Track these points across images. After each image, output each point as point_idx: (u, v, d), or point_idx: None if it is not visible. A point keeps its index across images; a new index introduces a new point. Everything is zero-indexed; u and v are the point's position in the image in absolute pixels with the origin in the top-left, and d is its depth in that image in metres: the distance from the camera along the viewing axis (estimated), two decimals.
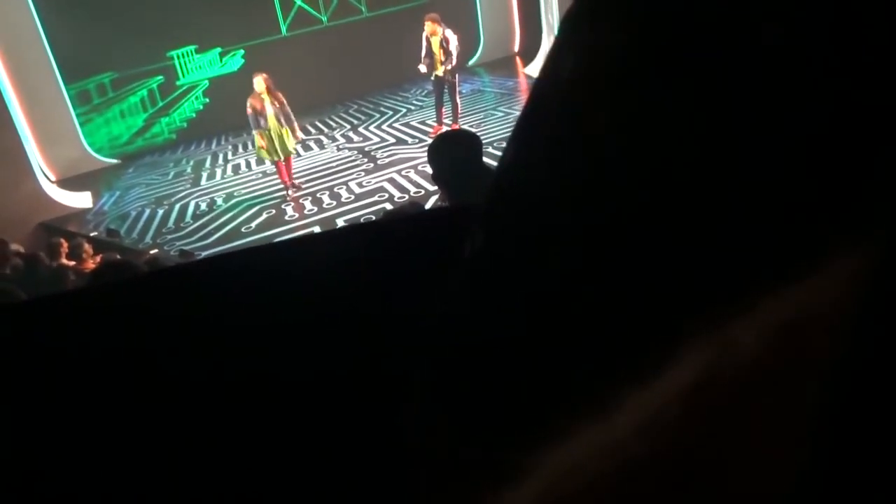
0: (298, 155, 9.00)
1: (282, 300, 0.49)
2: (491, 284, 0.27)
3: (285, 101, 7.63)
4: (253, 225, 7.58)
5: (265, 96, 7.49)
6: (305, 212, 7.61)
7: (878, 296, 0.17)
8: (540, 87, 0.27)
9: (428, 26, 8.49)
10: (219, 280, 0.51)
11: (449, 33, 8.51)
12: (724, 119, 0.19)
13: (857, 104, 0.18)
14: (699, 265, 0.20)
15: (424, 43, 8.59)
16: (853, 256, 0.17)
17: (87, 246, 6.25)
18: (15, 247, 6.51)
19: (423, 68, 8.77)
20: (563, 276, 0.23)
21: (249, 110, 7.59)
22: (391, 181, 7.96)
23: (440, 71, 8.60)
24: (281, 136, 7.65)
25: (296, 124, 7.78)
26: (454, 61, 8.62)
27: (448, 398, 0.28)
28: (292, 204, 7.94)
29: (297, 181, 8.34)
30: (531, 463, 0.21)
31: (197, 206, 8.59)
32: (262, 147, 7.76)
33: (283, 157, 7.88)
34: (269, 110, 7.51)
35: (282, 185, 8.30)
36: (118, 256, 5.43)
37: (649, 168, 0.21)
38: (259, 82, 7.49)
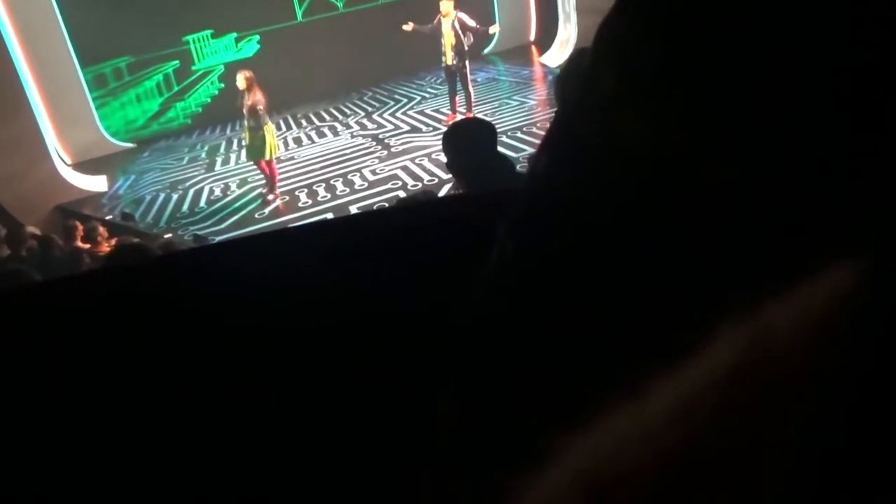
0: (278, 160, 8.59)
1: (294, 286, 0.49)
2: (524, 291, 0.27)
3: (261, 104, 7.30)
4: (266, 211, 7.61)
5: (246, 94, 7.31)
6: (318, 198, 7.62)
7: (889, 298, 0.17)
8: (577, 101, 0.27)
9: (443, 6, 8.37)
10: (231, 265, 0.51)
11: (462, 15, 8.42)
12: (765, 126, 0.20)
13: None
14: (733, 252, 0.20)
15: (438, 28, 8.52)
16: (890, 237, 0.17)
17: (101, 229, 6.30)
18: (31, 229, 6.58)
19: (406, 28, 8.74)
20: (597, 278, 0.23)
21: (237, 106, 7.51)
22: (405, 169, 7.96)
23: (449, 59, 8.53)
24: (254, 137, 7.44)
25: (264, 129, 7.39)
26: (467, 45, 8.49)
27: (479, 393, 0.28)
28: (273, 204, 7.75)
29: (278, 189, 7.99)
30: (558, 448, 0.21)
31: (211, 191, 8.63)
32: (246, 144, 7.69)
33: (261, 158, 7.61)
34: (244, 108, 7.36)
35: (292, 175, 8.29)
36: (132, 240, 5.47)
37: (688, 179, 0.21)
38: (239, 79, 7.33)
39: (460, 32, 8.36)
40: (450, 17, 8.35)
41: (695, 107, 0.21)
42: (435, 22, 8.53)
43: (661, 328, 0.21)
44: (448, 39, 8.43)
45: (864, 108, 0.18)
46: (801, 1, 0.20)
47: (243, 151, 8.00)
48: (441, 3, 8.39)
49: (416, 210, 0.59)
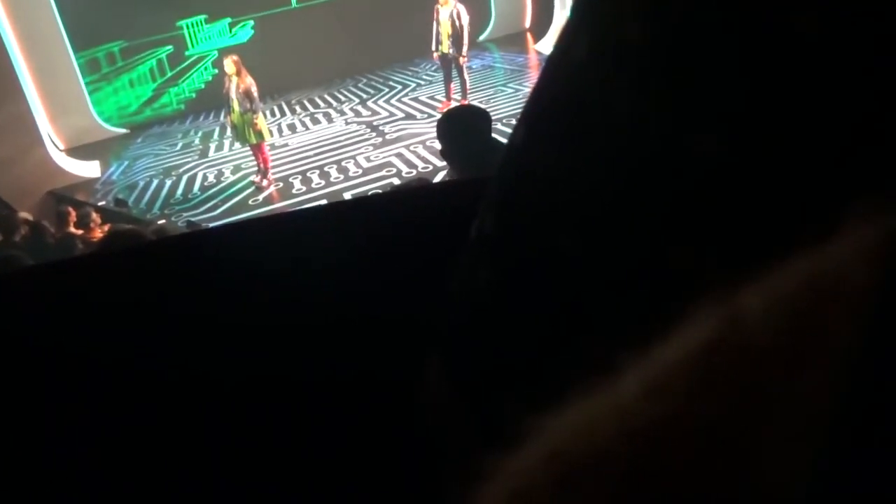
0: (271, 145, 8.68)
1: (286, 273, 0.49)
2: (502, 264, 0.27)
3: (254, 86, 7.31)
4: (260, 198, 7.58)
5: (233, 79, 7.26)
6: (312, 185, 7.60)
7: None
8: (552, 70, 0.27)
9: None
10: (225, 250, 0.51)
11: (460, 6, 8.38)
12: (744, 100, 0.20)
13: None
14: (706, 232, 0.20)
15: (434, 16, 8.46)
16: (869, 224, 0.17)
17: (94, 215, 6.27)
18: (24, 215, 6.54)
19: (435, 53, 8.63)
20: (574, 253, 0.23)
21: (223, 91, 7.48)
22: (399, 156, 7.93)
23: (445, 47, 8.47)
24: (244, 122, 7.39)
25: (259, 113, 7.42)
26: (466, 41, 8.45)
27: (455, 368, 0.28)
28: (266, 191, 7.72)
29: (271, 175, 7.91)
30: (534, 426, 0.21)
31: (205, 177, 8.59)
32: (231, 129, 7.67)
33: (250, 143, 7.60)
34: (233, 94, 7.30)
35: (287, 161, 8.26)
36: (125, 226, 5.45)
37: (666, 150, 0.21)
38: (229, 64, 7.28)
39: (458, 22, 8.32)
40: (448, 6, 8.30)
41: (671, 79, 0.21)
42: (434, 13, 8.48)
43: (637, 306, 0.21)
44: (445, 28, 8.38)
45: (853, 88, 0.18)
46: None
47: (235, 138, 7.94)
48: None
49: (412, 196, 0.59)
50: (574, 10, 0.26)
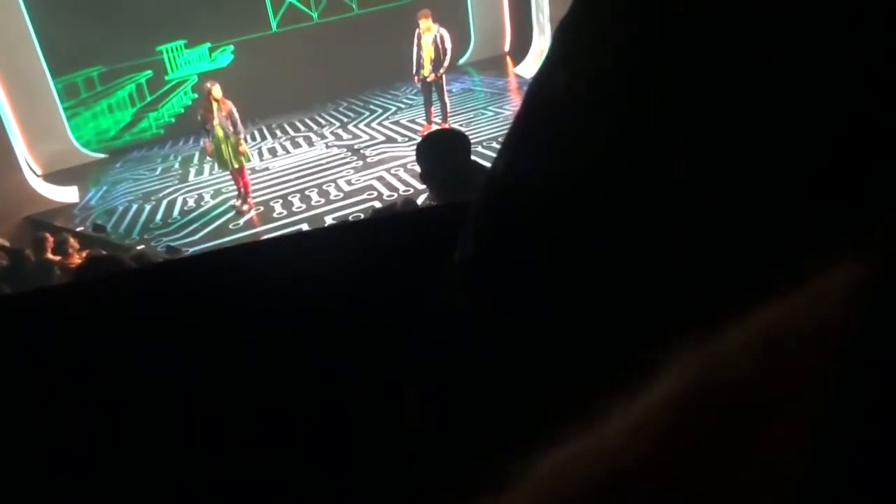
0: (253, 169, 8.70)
1: (269, 299, 0.49)
2: (482, 292, 0.27)
3: (234, 110, 7.39)
4: (241, 222, 7.54)
5: (214, 104, 7.31)
6: (294, 209, 7.58)
7: (876, 309, 0.17)
8: (532, 102, 0.27)
9: (423, 23, 8.40)
10: (206, 278, 0.51)
11: (443, 32, 8.46)
12: (718, 135, 0.20)
13: (857, 116, 0.18)
14: (687, 278, 0.20)
15: (416, 41, 8.53)
16: (844, 269, 0.17)
17: (72, 241, 6.19)
18: (0, 241, 6.45)
19: (417, 77, 8.70)
20: (552, 286, 0.23)
21: (199, 117, 7.50)
22: (380, 179, 7.94)
23: (427, 71, 8.54)
24: (227, 145, 7.42)
25: (242, 135, 7.50)
26: (446, 64, 8.54)
27: (440, 406, 0.28)
28: (247, 215, 7.71)
29: (252, 199, 7.92)
30: (521, 468, 0.21)
31: (185, 202, 8.54)
32: (209, 154, 7.68)
33: (232, 167, 7.62)
34: (216, 118, 7.32)
35: (267, 185, 8.23)
36: (104, 252, 5.40)
37: (642, 187, 0.21)
38: (217, 89, 7.32)
39: (441, 46, 8.40)
40: (431, 33, 8.38)
41: (647, 107, 0.21)
42: (415, 37, 8.55)
43: (618, 348, 0.21)
44: (428, 53, 8.46)
45: (828, 116, 0.18)
46: None
47: (216, 163, 7.93)
48: (420, 21, 8.42)
49: (394, 220, 0.59)
50: (553, 45, 0.27)
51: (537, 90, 0.27)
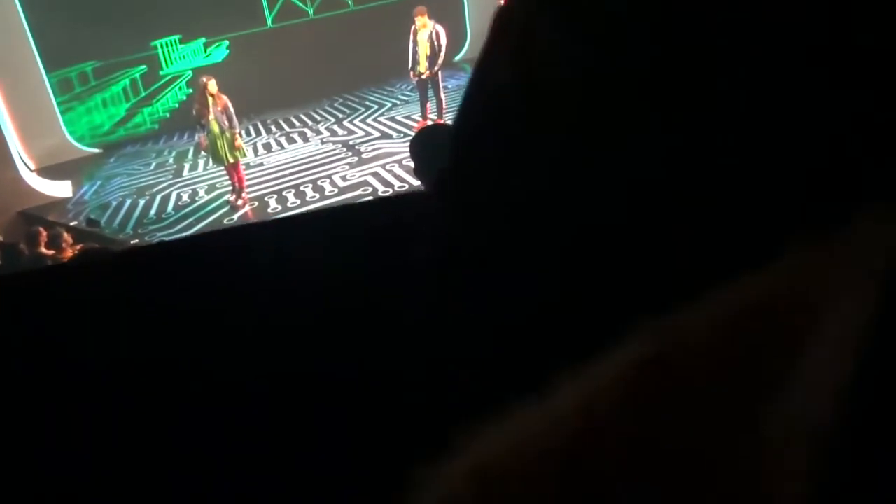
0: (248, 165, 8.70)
1: (260, 283, 0.49)
2: (445, 281, 0.28)
3: (230, 105, 7.39)
4: (235, 217, 7.53)
5: (209, 98, 7.30)
6: (288, 204, 7.57)
7: (846, 298, 0.17)
8: (476, 93, 0.27)
9: (418, 20, 8.39)
10: (195, 261, 0.51)
11: (439, 28, 8.45)
12: (683, 125, 0.20)
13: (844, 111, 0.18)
14: (648, 258, 0.20)
15: (412, 37, 8.53)
16: (812, 250, 0.17)
17: (66, 235, 6.18)
18: None
19: (413, 73, 8.68)
20: (510, 266, 0.24)
21: (194, 112, 7.49)
22: (375, 175, 7.93)
23: (422, 68, 8.53)
24: (222, 141, 7.42)
25: (238, 130, 7.50)
26: (441, 60, 8.53)
27: (407, 384, 0.29)
28: (241, 210, 7.70)
29: (246, 194, 7.93)
30: (462, 442, 0.21)
31: (179, 196, 8.52)
32: (204, 149, 7.67)
33: (227, 162, 7.62)
34: (212, 113, 7.32)
35: (261, 180, 8.22)
36: (97, 246, 5.39)
37: (597, 171, 0.21)
38: (213, 84, 7.31)
39: (436, 43, 8.40)
40: (427, 29, 8.37)
41: (597, 94, 0.21)
42: (411, 34, 8.54)
43: (573, 322, 0.21)
44: (423, 50, 8.45)
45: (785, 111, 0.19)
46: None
47: (210, 158, 7.91)
48: (416, 17, 8.40)
49: (386, 204, 0.59)
50: (492, 35, 0.26)
51: (479, 81, 0.27)
